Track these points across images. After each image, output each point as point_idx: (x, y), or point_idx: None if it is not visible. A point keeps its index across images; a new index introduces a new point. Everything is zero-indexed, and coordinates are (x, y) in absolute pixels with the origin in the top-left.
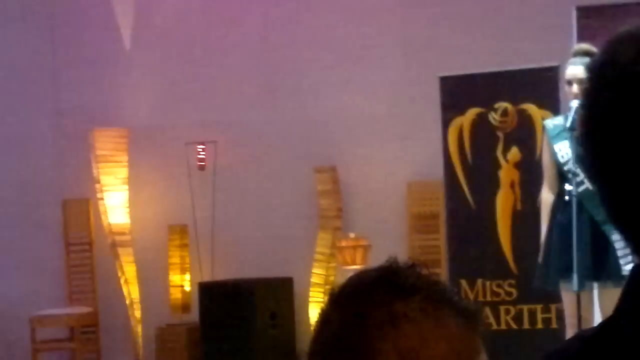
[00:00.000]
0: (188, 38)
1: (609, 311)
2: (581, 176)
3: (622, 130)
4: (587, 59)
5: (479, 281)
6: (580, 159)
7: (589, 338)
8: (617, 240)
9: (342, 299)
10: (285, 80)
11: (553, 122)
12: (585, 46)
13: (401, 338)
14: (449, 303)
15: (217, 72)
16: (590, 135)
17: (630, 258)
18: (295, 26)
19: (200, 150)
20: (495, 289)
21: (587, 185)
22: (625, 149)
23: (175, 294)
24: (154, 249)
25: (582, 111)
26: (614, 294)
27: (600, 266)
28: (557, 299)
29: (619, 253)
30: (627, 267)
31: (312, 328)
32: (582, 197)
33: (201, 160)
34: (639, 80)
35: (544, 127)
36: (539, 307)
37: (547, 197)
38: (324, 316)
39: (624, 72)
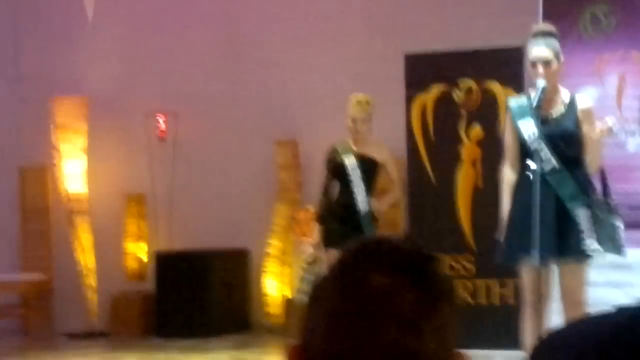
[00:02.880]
0: (150, 9)
1: (568, 286)
2: (547, 153)
3: None
4: (549, 39)
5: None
6: (547, 137)
7: (617, 321)
8: (581, 216)
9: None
10: (247, 53)
11: (517, 101)
12: (545, 27)
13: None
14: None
15: (179, 43)
16: None
17: (592, 234)
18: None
19: (161, 120)
20: (453, 263)
21: (554, 162)
22: None
23: (131, 263)
24: (112, 217)
25: None
26: (575, 269)
27: (563, 242)
28: (514, 274)
29: (582, 229)
30: (588, 243)
31: (266, 298)
32: (548, 175)
33: (161, 130)
34: None
35: (507, 105)
36: (496, 282)
37: (509, 174)
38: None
39: None
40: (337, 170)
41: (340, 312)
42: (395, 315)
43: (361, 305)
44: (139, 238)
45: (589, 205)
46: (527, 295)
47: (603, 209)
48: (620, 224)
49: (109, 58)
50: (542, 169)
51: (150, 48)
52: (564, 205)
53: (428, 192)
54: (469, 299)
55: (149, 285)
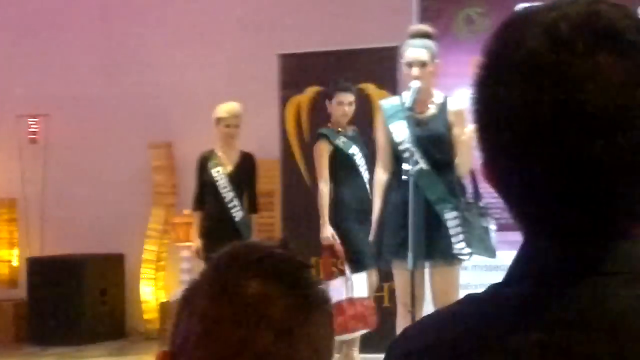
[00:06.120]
0: (23, 9)
1: (441, 288)
2: (416, 156)
3: (522, 121)
4: (426, 41)
5: (313, 259)
6: (418, 139)
7: (478, 299)
8: (449, 219)
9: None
10: (121, 56)
11: (389, 103)
12: (423, 27)
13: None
14: None
15: (52, 44)
16: (489, 126)
17: (461, 237)
18: (134, 1)
19: (32, 123)
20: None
21: (422, 165)
22: (523, 143)
23: (2, 269)
24: None
25: (475, 104)
26: (446, 272)
27: (433, 245)
28: (389, 277)
29: (451, 232)
30: (457, 246)
31: (142, 304)
32: (417, 177)
33: (33, 133)
34: (551, 68)
35: (380, 108)
36: None
37: (380, 176)
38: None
39: (532, 58)
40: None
41: (213, 318)
42: (268, 322)
43: (235, 313)
44: (11, 244)
45: (458, 208)
46: (401, 298)
47: (473, 212)
48: (491, 226)
49: None
50: (413, 170)
51: (21, 48)
52: (434, 208)
53: (303, 195)
54: None
55: (21, 291)
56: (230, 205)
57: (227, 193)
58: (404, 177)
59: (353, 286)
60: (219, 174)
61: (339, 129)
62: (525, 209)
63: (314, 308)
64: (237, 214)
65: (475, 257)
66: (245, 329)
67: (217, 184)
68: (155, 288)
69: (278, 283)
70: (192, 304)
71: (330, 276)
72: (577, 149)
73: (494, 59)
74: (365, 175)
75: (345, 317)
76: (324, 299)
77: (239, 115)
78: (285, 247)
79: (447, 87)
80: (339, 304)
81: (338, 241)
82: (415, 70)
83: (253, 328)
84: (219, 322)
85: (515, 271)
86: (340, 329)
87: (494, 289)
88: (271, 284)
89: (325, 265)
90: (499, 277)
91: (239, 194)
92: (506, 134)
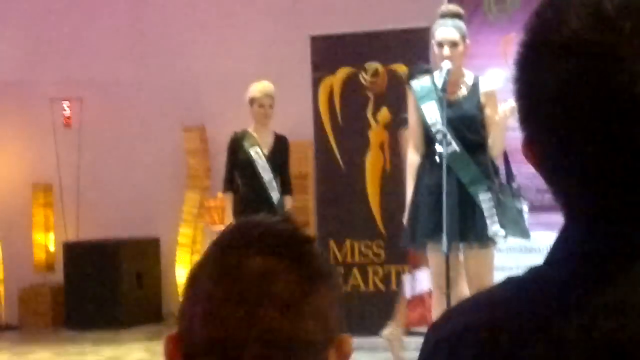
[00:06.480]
0: None
1: (475, 271)
2: (449, 137)
3: (567, 102)
4: (456, 21)
5: (348, 242)
6: (450, 121)
7: (519, 281)
8: (484, 201)
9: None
10: (153, 38)
11: (420, 84)
12: (453, 8)
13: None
14: None
15: (85, 27)
16: (533, 107)
17: (496, 219)
18: None
19: (66, 106)
20: (363, 249)
21: (455, 147)
22: (568, 123)
23: (39, 254)
24: (18, 207)
25: (518, 83)
26: (481, 254)
27: (467, 227)
28: (425, 259)
29: (486, 214)
30: (493, 229)
31: (178, 288)
32: (450, 159)
33: (66, 117)
34: (596, 48)
35: (411, 88)
36: (406, 268)
37: (413, 158)
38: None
39: (577, 39)
40: None
41: (217, 297)
42: (273, 298)
43: (238, 290)
44: (47, 228)
45: (491, 190)
46: (436, 280)
47: (506, 193)
48: (524, 207)
49: (12, 42)
50: (446, 152)
51: (54, 32)
52: (467, 190)
53: (336, 176)
54: (380, 285)
55: (58, 276)
56: (268, 185)
57: (267, 174)
58: (436, 158)
59: None
60: (257, 154)
61: None
62: (568, 190)
63: (318, 281)
64: (275, 194)
65: (509, 239)
66: (249, 306)
67: (255, 164)
68: None
69: (280, 258)
70: (196, 284)
71: (417, 266)
72: (622, 131)
73: (537, 37)
74: None
75: (424, 309)
76: (328, 271)
77: (272, 94)
78: (288, 221)
79: (478, 67)
80: (421, 295)
81: None
82: (446, 50)
83: (257, 305)
84: (223, 302)
85: (557, 253)
86: (420, 321)
87: (535, 271)
88: (273, 259)
89: (413, 255)
90: (533, 259)
91: (276, 175)
92: (549, 114)
